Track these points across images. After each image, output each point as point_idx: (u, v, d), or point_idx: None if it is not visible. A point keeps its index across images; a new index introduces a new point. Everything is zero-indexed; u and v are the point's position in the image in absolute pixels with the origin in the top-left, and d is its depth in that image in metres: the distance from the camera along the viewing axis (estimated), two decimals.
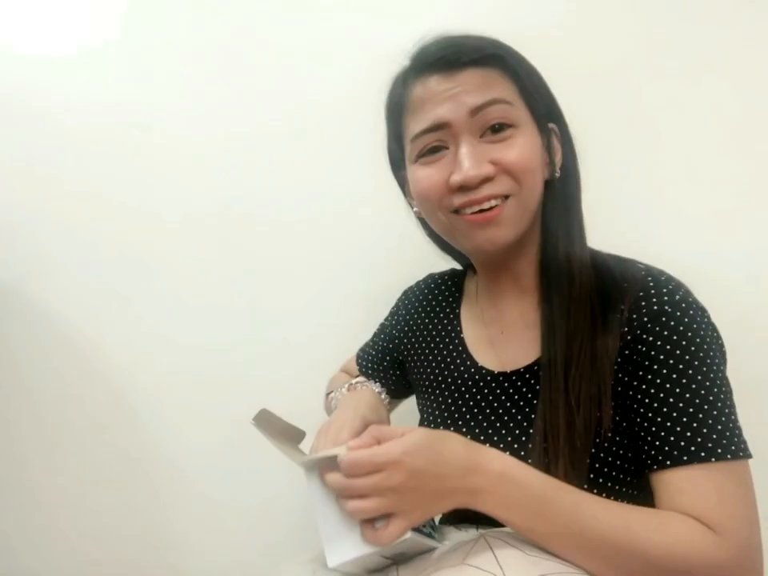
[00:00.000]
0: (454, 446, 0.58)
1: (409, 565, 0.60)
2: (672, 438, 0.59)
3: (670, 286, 0.65)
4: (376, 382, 0.88)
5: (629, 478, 0.65)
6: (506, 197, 0.66)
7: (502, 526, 0.59)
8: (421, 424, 0.82)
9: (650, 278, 0.66)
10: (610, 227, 0.78)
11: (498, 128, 0.65)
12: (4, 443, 1.18)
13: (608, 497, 0.64)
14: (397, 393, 0.92)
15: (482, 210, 0.66)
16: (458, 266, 0.89)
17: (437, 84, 0.67)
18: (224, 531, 1.17)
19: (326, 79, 1.10)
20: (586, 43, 1.03)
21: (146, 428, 1.17)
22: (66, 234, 1.16)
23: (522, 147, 0.65)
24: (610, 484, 0.65)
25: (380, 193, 0.86)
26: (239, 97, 1.13)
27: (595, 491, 0.62)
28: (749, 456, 0.59)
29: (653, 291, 0.64)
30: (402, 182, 0.78)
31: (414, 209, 0.76)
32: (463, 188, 0.65)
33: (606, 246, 0.73)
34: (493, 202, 0.66)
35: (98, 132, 1.14)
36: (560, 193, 0.70)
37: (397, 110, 0.72)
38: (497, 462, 0.58)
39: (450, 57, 0.66)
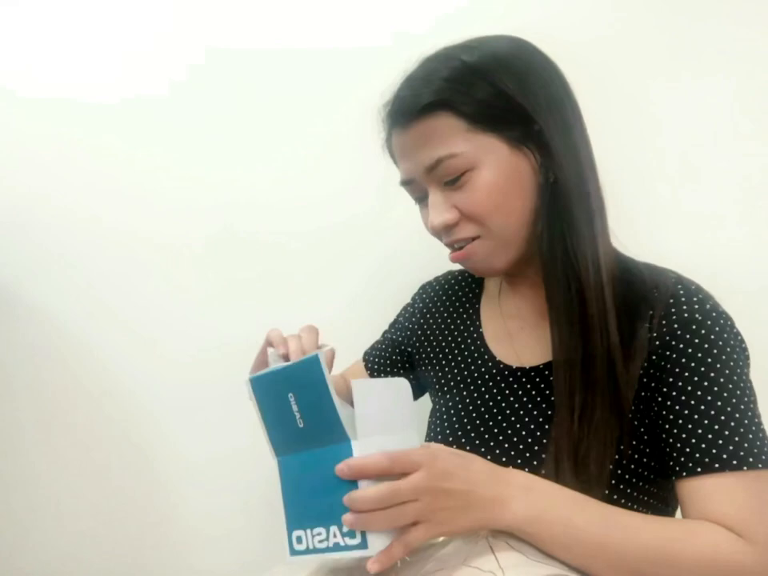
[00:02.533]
0: (478, 467, 0.58)
1: (408, 565, 0.59)
2: (703, 446, 0.59)
3: (700, 295, 0.65)
4: (382, 375, 0.90)
5: (647, 486, 0.65)
6: (474, 238, 0.68)
7: None
8: (433, 419, 0.81)
9: (680, 286, 0.66)
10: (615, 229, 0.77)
11: (450, 182, 0.66)
12: (3, 443, 1.18)
13: (626, 503, 0.64)
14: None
15: (458, 248, 0.70)
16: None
17: (396, 139, 0.70)
18: (224, 532, 1.17)
19: (327, 89, 1.10)
20: (585, 43, 1.03)
21: (146, 428, 1.17)
22: (66, 234, 1.15)
23: (480, 189, 0.65)
24: (629, 490, 0.65)
25: (382, 198, 0.86)
26: (237, 108, 1.13)
27: (614, 497, 0.62)
28: None
29: (683, 299, 0.64)
30: None
31: None
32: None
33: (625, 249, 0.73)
34: (462, 243, 0.69)
35: (101, 131, 1.14)
36: (558, 195, 0.67)
37: (390, 152, 0.76)
38: (522, 475, 0.59)
39: (398, 111, 0.69)
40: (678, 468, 0.61)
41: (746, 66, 1.01)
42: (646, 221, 1.02)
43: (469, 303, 0.85)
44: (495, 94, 0.64)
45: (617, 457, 0.63)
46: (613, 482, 0.63)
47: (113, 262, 1.15)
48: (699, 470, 0.59)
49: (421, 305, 0.90)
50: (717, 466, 0.58)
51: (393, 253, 1.11)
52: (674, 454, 0.61)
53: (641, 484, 0.65)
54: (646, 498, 0.66)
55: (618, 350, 0.63)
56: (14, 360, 1.16)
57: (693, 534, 0.56)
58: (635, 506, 0.65)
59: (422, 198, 0.72)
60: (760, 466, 0.58)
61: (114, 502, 1.17)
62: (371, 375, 0.92)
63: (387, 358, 0.92)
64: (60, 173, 1.14)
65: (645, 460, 0.64)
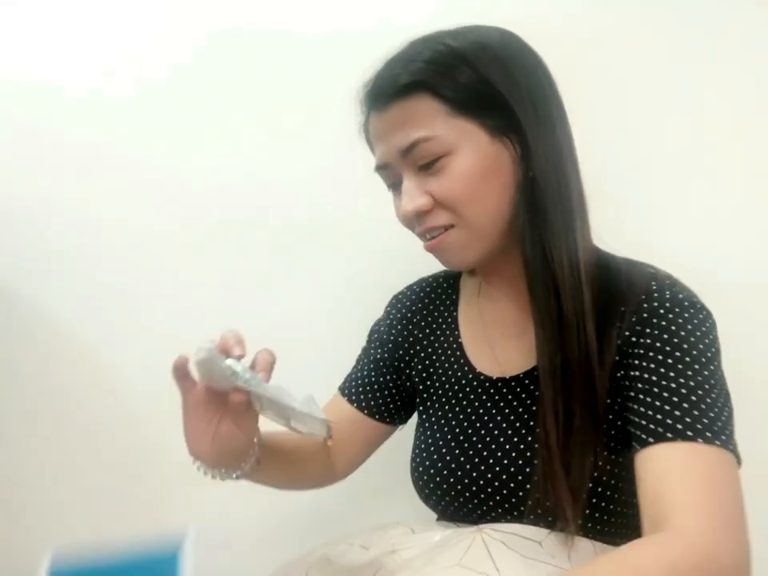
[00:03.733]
0: None
1: (403, 564, 0.59)
2: (659, 416, 0.57)
3: (674, 288, 0.64)
4: (372, 404, 0.83)
5: (620, 483, 0.64)
6: (449, 226, 0.65)
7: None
8: (418, 433, 0.79)
9: (654, 282, 0.65)
10: (612, 227, 0.76)
11: (424, 165, 0.64)
12: (3, 443, 1.18)
13: (606, 509, 0.63)
14: (398, 410, 0.85)
15: (432, 237, 0.67)
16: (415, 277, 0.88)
17: (373, 122, 0.68)
18: (223, 531, 1.16)
19: (324, 82, 1.10)
20: (585, 44, 1.03)
21: (146, 429, 1.17)
22: (67, 234, 1.15)
23: (455, 175, 0.63)
24: (609, 494, 0.63)
25: (377, 194, 0.85)
26: (234, 100, 1.12)
27: (594, 501, 0.62)
28: (730, 450, 0.56)
29: (655, 295, 0.64)
30: None
31: None
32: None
33: (608, 246, 0.72)
34: (434, 232, 0.66)
35: (101, 130, 1.14)
36: (537, 191, 0.64)
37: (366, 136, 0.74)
38: None
39: (376, 92, 0.67)
40: (635, 443, 0.59)
41: (746, 65, 1.01)
42: (644, 219, 1.02)
43: (447, 311, 0.81)
44: (478, 80, 0.63)
45: (592, 459, 0.62)
46: (591, 484, 0.62)
47: (113, 261, 1.15)
48: (652, 440, 0.57)
49: (399, 315, 0.85)
50: (669, 435, 0.56)
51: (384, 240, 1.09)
52: (633, 429, 0.59)
53: (621, 485, 0.64)
54: (628, 500, 0.64)
55: (595, 354, 0.62)
56: (13, 360, 1.17)
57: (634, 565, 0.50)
58: (618, 508, 0.64)
59: (396, 185, 0.69)
60: (718, 444, 0.55)
61: (114, 502, 1.17)
62: (358, 407, 0.83)
63: (373, 383, 0.84)
64: (58, 166, 1.14)
65: (621, 459, 0.63)
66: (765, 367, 0.99)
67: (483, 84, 0.63)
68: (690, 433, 0.55)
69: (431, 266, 0.89)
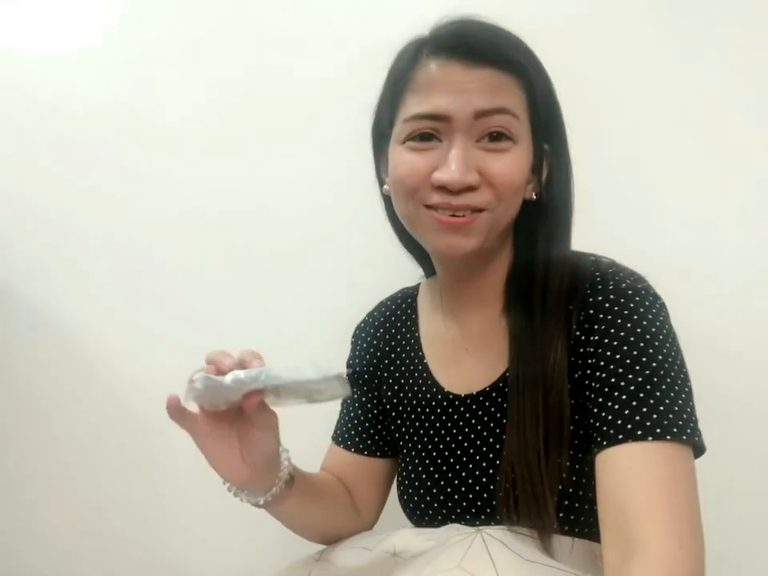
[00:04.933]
0: None
1: (403, 566, 0.59)
2: (610, 417, 0.56)
3: (617, 277, 0.63)
4: (369, 443, 0.81)
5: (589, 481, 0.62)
6: (482, 210, 0.63)
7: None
8: (398, 458, 0.79)
9: (597, 273, 0.64)
10: (607, 230, 0.76)
11: (496, 137, 0.62)
12: (3, 444, 1.18)
13: (578, 508, 0.62)
14: (395, 440, 0.82)
15: (454, 215, 0.63)
16: (409, 283, 0.86)
17: (449, 72, 0.62)
18: (225, 533, 1.17)
19: (317, 77, 1.09)
20: (584, 44, 1.03)
21: (146, 429, 1.17)
22: (67, 234, 1.16)
23: (514, 164, 0.63)
24: (580, 492, 0.62)
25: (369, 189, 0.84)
26: (233, 95, 1.12)
27: (566, 503, 0.61)
28: (694, 441, 0.55)
29: (599, 287, 0.63)
30: (379, 157, 0.73)
31: (385, 187, 0.71)
32: (444, 188, 0.62)
33: (609, 245, 0.72)
34: (467, 211, 0.63)
35: (100, 130, 1.14)
36: (545, 214, 0.66)
37: (400, 82, 0.66)
38: None
39: (471, 48, 0.62)
40: (593, 445, 0.58)
41: (747, 63, 1.00)
42: (644, 219, 1.02)
43: (409, 333, 0.80)
44: (549, 92, 0.66)
45: (562, 461, 0.61)
46: (560, 487, 0.61)
47: (113, 262, 1.16)
48: (606, 442, 0.56)
49: (364, 346, 0.84)
50: (621, 437, 0.55)
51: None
52: (591, 431, 0.59)
53: (586, 492, 0.62)
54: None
55: (565, 361, 0.62)
56: (13, 360, 1.17)
57: None
58: (587, 506, 0.63)
59: (426, 138, 0.63)
60: (681, 439, 0.54)
61: (115, 503, 1.17)
62: (356, 451, 0.81)
63: (363, 422, 0.82)
64: (57, 171, 1.15)
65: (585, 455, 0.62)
66: (765, 367, 0.99)
67: (545, 97, 0.65)
68: (648, 433, 0.54)
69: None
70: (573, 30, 1.02)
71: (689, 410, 0.57)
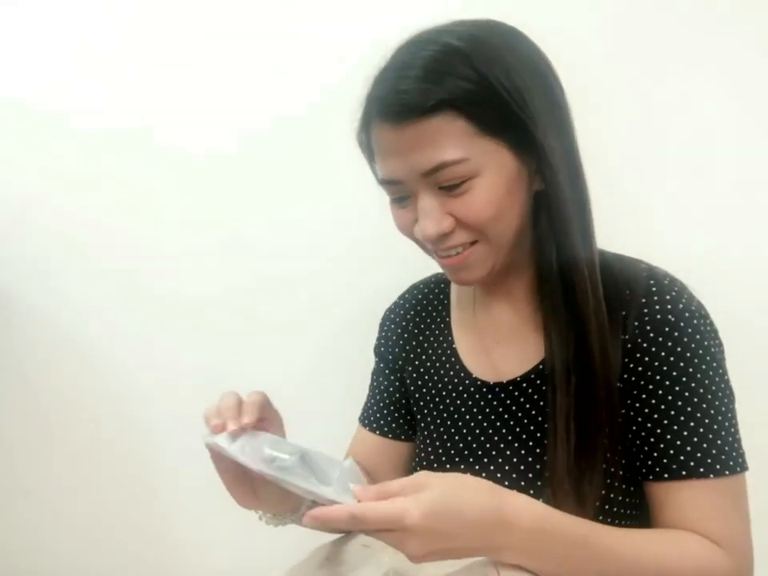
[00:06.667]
0: (475, 500, 0.51)
1: (405, 562, 0.59)
2: (672, 452, 0.60)
3: (674, 292, 0.64)
4: (393, 426, 0.82)
5: (631, 488, 0.65)
6: (474, 242, 0.63)
7: None
8: (418, 442, 0.79)
9: (653, 282, 0.64)
10: (614, 227, 0.76)
11: (450, 187, 0.60)
12: (4, 444, 1.18)
13: (612, 507, 0.63)
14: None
15: (449, 255, 0.64)
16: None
17: (385, 137, 0.61)
18: (224, 533, 1.17)
19: (315, 86, 1.10)
20: (587, 42, 1.03)
21: (147, 430, 1.17)
22: (67, 234, 1.16)
23: (480, 199, 0.60)
24: (613, 495, 0.64)
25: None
26: (231, 103, 1.13)
27: (606, 507, 0.62)
28: (746, 469, 0.61)
29: (656, 298, 0.63)
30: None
31: None
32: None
33: (611, 245, 0.72)
34: (459, 249, 0.63)
35: (101, 134, 1.14)
36: (553, 202, 0.63)
37: (366, 143, 0.67)
38: (527, 515, 0.53)
39: (394, 106, 0.60)
40: (645, 471, 0.62)
41: (747, 63, 1.01)
42: (646, 219, 1.02)
43: (440, 317, 0.80)
44: (504, 99, 0.59)
45: (604, 466, 0.62)
46: (603, 492, 0.63)
47: (114, 263, 1.16)
48: (666, 476, 0.60)
49: (393, 327, 0.84)
50: (684, 473, 0.59)
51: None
52: (642, 457, 0.62)
53: (624, 486, 0.64)
54: (636, 501, 0.65)
55: (608, 356, 0.62)
56: (13, 360, 1.17)
57: (686, 550, 0.57)
58: (628, 511, 0.65)
59: (403, 199, 0.65)
60: (727, 473, 0.59)
61: (115, 504, 1.17)
62: (381, 434, 0.82)
63: (389, 405, 0.82)
64: (57, 171, 1.15)
65: (627, 462, 0.64)
66: (765, 367, 1.00)
67: (508, 102, 0.59)
68: (702, 470, 0.59)
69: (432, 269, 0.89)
70: (573, 30, 1.02)
71: (739, 437, 0.62)
